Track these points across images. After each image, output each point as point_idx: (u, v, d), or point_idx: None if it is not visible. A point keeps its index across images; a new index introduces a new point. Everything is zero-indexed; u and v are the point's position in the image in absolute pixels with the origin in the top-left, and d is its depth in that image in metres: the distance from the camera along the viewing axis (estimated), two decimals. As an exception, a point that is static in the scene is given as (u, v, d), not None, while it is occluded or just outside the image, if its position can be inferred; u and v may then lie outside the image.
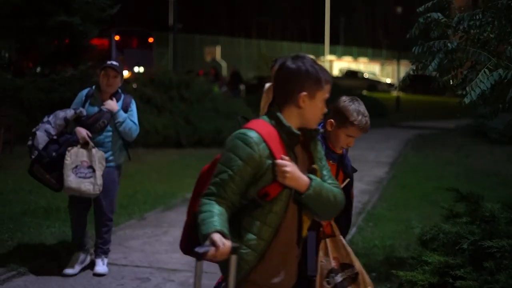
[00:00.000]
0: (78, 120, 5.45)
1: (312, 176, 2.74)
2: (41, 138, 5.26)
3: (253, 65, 48.20)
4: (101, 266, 5.63)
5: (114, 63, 5.50)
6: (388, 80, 51.64)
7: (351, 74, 48.85)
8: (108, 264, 5.78)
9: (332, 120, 3.63)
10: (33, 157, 5.26)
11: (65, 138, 5.37)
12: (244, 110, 16.62)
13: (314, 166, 2.80)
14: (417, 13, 4.93)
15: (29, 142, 5.31)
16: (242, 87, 28.89)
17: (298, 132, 2.74)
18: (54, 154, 5.27)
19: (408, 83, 5.25)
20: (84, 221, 5.65)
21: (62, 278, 5.49)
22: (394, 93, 39.12)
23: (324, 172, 2.85)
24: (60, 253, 6.06)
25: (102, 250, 5.67)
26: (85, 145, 5.35)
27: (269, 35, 60.48)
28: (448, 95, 5.39)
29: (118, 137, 5.56)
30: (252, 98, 26.59)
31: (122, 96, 5.64)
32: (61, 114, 5.41)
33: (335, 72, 52.23)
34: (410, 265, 5.01)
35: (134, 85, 15.54)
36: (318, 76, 2.73)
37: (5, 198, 8.16)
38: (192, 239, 2.83)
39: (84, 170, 5.30)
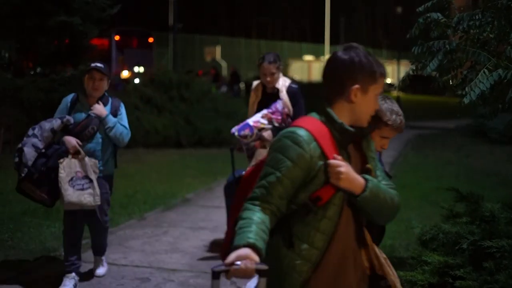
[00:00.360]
0: (66, 129, 5.10)
1: (368, 177, 2.53)
2: (30, 154, 4.91)
3: (253, 65, 48.23)
4: (100, 268, 5.61)
5: (99, 64, 5.14)
6: (388, 80, 51.61)
7: (351, 74, 48.71)
8: (108, 264, 5.78)
9: None
10: (22, 175, 4.90)
11: (53, 150, 5.01)
12: (244, 110, 16.64)
13: (368, 166, 2.59)
14: (417, 13, 4.93)
15: (16, 159, 4.94)
16: (242, 85, 28.92)
17: (352, 129, 2.52)
18: (43, 168, 4.93)
19: (408, 83, 5.25)
20: (80, 234, 5.37)
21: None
22: (394, 93, 39.11)
23: (378, 173, 2.65)
24: (60, 253, 6.06)
25: (99, 252, 5.62)
26: (76, 154, 5.02)
27: (269, 35, 60.47)
28: (448, 95, 5.41)
29: (108, 144, 5.25)
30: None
31: (110, 99, 5.30)
32: (47, 125, 5.01)
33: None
34: (410, 265, 5.01)
35: (137, 80, 15.56)
36: (373, 69, 2.49)
37: (5, 198, 8.17)
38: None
39: (81, 181, 4.99)
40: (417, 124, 24.30)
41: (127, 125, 5.31)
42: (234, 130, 5.60)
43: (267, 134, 5.60)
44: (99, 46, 20.51)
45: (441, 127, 23.38)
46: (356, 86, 2.48)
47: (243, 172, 6.18)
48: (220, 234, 7.04)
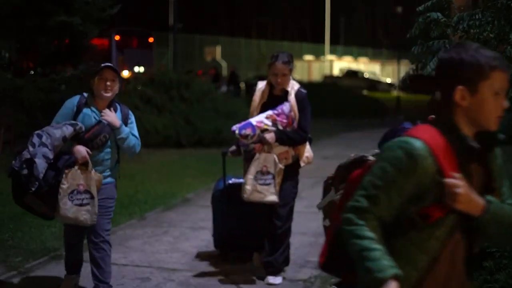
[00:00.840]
0: (75, 137, 4.63)
1: (489, 198, 2.24)
2: (41, 165, 4.39)
3: (253, 65, 48.22)
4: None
5: (110, 64, 4.72)
6: (389, 80, 51.65)
7: (351, 74, 48.85)
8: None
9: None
10: (33, 189, 4.39)
11: (63, 161, 4.55)
12: (244, 110, 16.64)
13: (493, 184, 2.29)
14: (417, 13, 4.93)
15: (25, 171, 4.39)
16: (242, 85, 28.92)
17: (478, 146, 2.23)
18: (53, 181, 4.49)
19: (408, 84, 5.25)
20: (82, 234, 5.01)
21: (63, 277, 5.50)
22: (395, 93, 39.14)
23: (504, 189, 2.33)
24: (61, 253, 6.06)
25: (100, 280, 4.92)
26: (83, 165, 4.59)
27: (269, 35, 60.48)
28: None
29: (115, 153, 4.85)
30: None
31: (118, 106, 4.85)
32: (57, 133, 4.50)
33: (335, 72, 52.24)
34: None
35: (139, 87, 15.56)
36: (479, 63, 2.18)
37: (5, 198, 8.14)
38: (336, 257, 2.40)
39: (81, 196, 4.57)
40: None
41: (137, 134, 4.91)
42: (235, 128, 5.29)
43: (269, 136, 5.26)
44: (99, 46, 20.51)
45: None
46: (460, 87, 2.20)
47: (235, 180, 6.06)
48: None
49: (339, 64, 55.54)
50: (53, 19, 13.82)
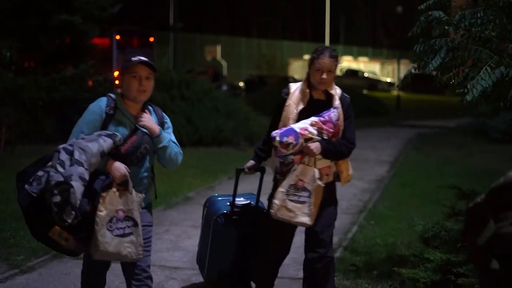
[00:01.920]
0: (112, 151, 3.67)
1: None
2: (79, 190, 3.43)
3: (253, 64, 48.25)
4: None
5: (144, 58, 3.84)
6: (389, 79, 51.66)
7: (351, 73, 48.83)
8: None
9: None
10: (69, 221, 3.41)
11: (100, 183, 3.58)
12: (245, 110, 16.67)
13: None
14: (418, 12, 4.94)
15: (56, 199, 3.39)
16: (241, 84, 28.95)
17: None
18: (87, 208, 3.52)
19: (409, 82, 5.26)
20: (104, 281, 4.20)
21: (65, 276, 5.52)
22: (395, 92, 39.15)
23: None
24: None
25: None
26: (123, 186, 3.66)
27: (270, 34, 60.47)
28: (449, 94, 5.38)
29: (152, 168, 4.00)
30: (252, 96, 26.67)
31: (150, 107, 3.99)
32: (93, 147, 3.54)
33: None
34: (412, 263, 5.03)
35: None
36: None
37: (7, 197, 8.17)
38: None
39: (122, 224, 3.63)
40: (417, 123, 24.31)
41: (176, 141, 4.05)
42: (275, 134, 4.35)
43: (314, 146, 4.34)
44: (100, 45, 20.54)
45: (442, 126, 23.39)
46: None
47: (245, 201, 4.76)
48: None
49: (339, 64, 55.45)
50: (54, 18, 13.85)
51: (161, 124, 3.95)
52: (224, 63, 40.74)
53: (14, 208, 7.57)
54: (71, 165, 3.45)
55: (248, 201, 4.73)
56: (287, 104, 4.55)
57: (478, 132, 18.62)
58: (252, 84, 35.98)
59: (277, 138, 4.33)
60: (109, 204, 3.59)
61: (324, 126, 4.40)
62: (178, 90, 15.53)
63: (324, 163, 4.46)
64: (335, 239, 6.93)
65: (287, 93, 4.61)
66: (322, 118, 4.42)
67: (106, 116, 3.76)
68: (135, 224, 3.67)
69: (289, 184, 4.37)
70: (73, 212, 3.40)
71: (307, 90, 4.54)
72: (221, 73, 37.66)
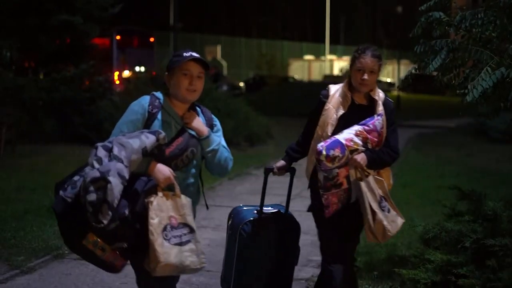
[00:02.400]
0: (152, 151, 3.29)
1: None
2: (118, 187, 3.06)
3: (253, 64, 48.26)
4: None
5: (196, 55, 3.48)
6: (389, 80, 51.66)
7: (351, 74, 48.80)
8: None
9: None
10: (105, 222, 3.03)
11: (142, 184, 3.20)
12: (245, 110, 16.67)
13: None
14: (419, 12, 4.94)
15: (92, 197, 3.03)
16: (242, 85, 28.94)
17: None
18: (126, 212, 3.09)
19: (410, 82, 5.27)
20: None
21: (65, 276, 5.52)
22: (395, 93, 39.14)
23: None
24: (63, 251, 6.08)
25: None
26: (169, 190, 3.30)
27: (270, 34, 60.49)
28: (449, 94, 5.37)
29: (199, 174, 3.64)
30: (252, 96, 26.68)
31: (198, 108, 3.65)
32: (134, 143, 3.19)
33: (336, 71, 52.24)
34: (413, 264, 5.03)
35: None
36: None
37: (8, 197, 8.18)
38: None
39: (177, 232, 3.25)
40: (417, 123, 24.32)
41: (226, 145, 3.69)
42: (321, 148, 3.98)
43: (360, 158, 4.04)
44: (100, 45, 20.55)
45: (442, 126, 23.40)
46: None
47: (273, 209, 4.34)
48: (222, 233, 7.04)
49: (339, 64, 55.54)
50: (54, 18, 13.85)
51: (210, 126, 3.61)
52: (224, 63, 40.74)
53: (14, 208, 7.58)
54: (110, 160, 3.13)
55: (277, 210, 4.34)
56: (326, 108, 4.19)
57: (478, 132, 18.63)
58: (253, 84, 36.05)
59: (324, 152, 3.97)
60: (159, 210, 3.20)
61: (368, 136, 4.10)
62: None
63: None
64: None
65: (326, 96, 4.26)
66: (366, 127, 4.10)
67: (149, 116, 3.43)
68: (192, 231, 3.30)
69: (378, 203, 4.12)
70: (110, 213, 3.02)
71: (349, 94, 4.20)
72: (222, 73, 37.66)
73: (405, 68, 42.82)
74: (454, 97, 5.16)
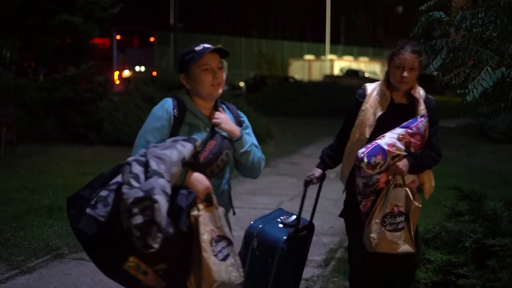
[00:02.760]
0: (191, 160, 2.98)
1: None
2: (165, 206, 2.74)
3: (253, 64, 48.26)
4: None
5: (208, 45, 3.18)
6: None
7: (351, 74, 48.84)
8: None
9: None
10: (156, 246, 2.71)
11: (184, 198, 2.88)
12: (245, 109, 16.68)
13: None
14: (419, 12, 4.94)
15: (137, 220, 2.69)
16: (242, 84, 28.93)
17: None
18: (171, 231, 2.77)
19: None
20: None
21: (65, 276, 5.52)
22: (395, 93, 39.13)
23: None
24: (63, 251, 6.08)
25: None
26: (206, 201, 3.01)
27: (270, 34, 60.50)
28: (449, 94, 5.36)
29: (229, 180, 3.33)
30: (253, 96, 26.67)
31: (223, 104, 3.36)
32: (172, 155, 2.86)
33: (336, 71, 52.27)
34: (413, 264, 5.02)
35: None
36: None
37: (8, 197, 8.18)
38: None
39: (219, 246, 2.98)
40: (418, 123, 24.29)
41: (257, 142, 3.40)
42: (362, 154, 3.74)
43: (403, 164, 3.79)
44: (100, 45, 20.57)
45: (442, 126, 23.21)
46: None
47: (292, 217, 4.14)
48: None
49: (340, 64, 55.58)
50: (55, 18, 13.86)
51: (238, 123, 3.32)
52: (224, 63, 40.80)
53: (14, 208, 7.58)
54: (149, 177, 2.77)
55: (294, 218, 4.12)
56: (363, 108, 3.94)
57: (478, 132, 18.62)
58: (254, 84, 36.06)
59: (365, 160, 3.73)
60: (204, 224, 2.94)
61: (412, 139, 3.84)
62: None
63: (410, 178, 3.94)
64: (335, 240, 6.94)
65: (363, 95, 4.00)
66: (409, 130, 3.84)
67: (175, 121, 3.11)
68: (230, 243, 3.02)
69: (384, 213, 3.83)
70: (160, 235, 2.70)
71: (387, 93, 3.94)
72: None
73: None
74: (454, 97, 5.15)
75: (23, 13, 13.86)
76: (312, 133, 17.59)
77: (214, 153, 3.10)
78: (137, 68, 25.51)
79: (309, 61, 54.13)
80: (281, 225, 3.98)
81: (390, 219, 3.83)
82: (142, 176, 2.78)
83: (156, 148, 2.91)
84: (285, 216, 4.12)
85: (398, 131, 3.82)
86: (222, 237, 2.98)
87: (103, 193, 2.85)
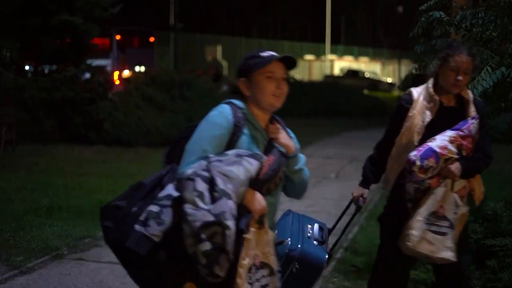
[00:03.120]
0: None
1: None
2: (234, 233, 2.53)
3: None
4: None
5: (275, 53, 2.93)
6: (389, 80, 51.70)
7: (352, 74, 48.87)
8: (112, 263, 5.79)
9: None
10: (222, 275, 2.53)
11: (244, 221, 2.65)
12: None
13: None
14: (419, 12, 4.94)
15: (205, 247, 2.48)
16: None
17: None
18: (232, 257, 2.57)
19: (410, 83, 5.26)
20: None
21: (64, 276, 5.51)
22: (395, 93, 39.15)
23: None
24: (62, 252, 6.07)
25: None
26: (259, 223, 2.75)
27: (270, 34, 60.50)
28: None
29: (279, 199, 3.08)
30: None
31: (276, 119, 3.10)
32: (240, 173, 2.62)
33: (336, 71, 52.28)
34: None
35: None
36: None
37: (7, 197, 8.17)
38: None
39: (259, 274, 2.75)
40: (418, 123, 24.29)
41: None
42: (415, 157, 3.62)
43: (455, 168, 3.67)
44: (100, 45, 20.57)
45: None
46: None
47: (318, 227, 3.75)
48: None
49: (340, 64, 55.62)
50: (55, 18, 13.86)
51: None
52: (224, 63, 40.73)
53: (14, 209, 7.57)
54: (217, 198, 2.53)
55: (317, 225, 3.79)
56: (410, 114, 3.79)
57: (478, 132, 18.60)
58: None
59: (418, 163, 3.60)
60: (249, 249, 2.67)
61: (463, 142, 3.70)
62: (179, 90, 15.55)
63: (460, 184, 3.77)
64: (335, 240, 6.93)
65: (410, 101, 3.83)
66: (461, 133, 3.70)
67: (235, 130, 2.83)
68: (271, 273, 2.74)
69: (429, 211, 3.66)
70: (227, 264, 2.49)
71: (436, 97, 3.77)
72: (222, 74, 37.70)
73: (406, 68, 42.88)
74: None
75: (23, 13, 13.87)
76: (312, 133, 17.57)
77: (273, 169, 2.85)
78: (137, 68, 25.52)
79: (309, 61, 54.14)
80: (315, 242, 3.64)
81: (434, 220, 3.67)
82: (207, 195, 2.53)
83: (221, 163, 2.63)
84: (309, 227, 3.74)
85: (450, 133, 3.69)
86: (265, 265, 2.72)
87: (154, 208, 2.62)
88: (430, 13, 4.76)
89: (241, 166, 2.63)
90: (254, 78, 2.89)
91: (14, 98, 13.20)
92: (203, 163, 2.65)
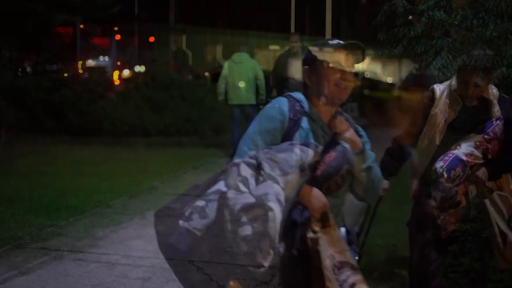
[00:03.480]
0: (307, 170, 2.57)
1: None
2: (279, 217, 2.34)
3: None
4: None
5: (338, 41, 2.78)
6: (390, 80, 51.66)
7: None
8: (110, 263, 5.79)
9: None
10: (266, 265, 2.30)
11: (299, 213, 2.44)
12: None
13: None
14: (419, 12, 4.94)
15: (245, 231, 2.29)
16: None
17: None
18: (281, 250, 2.36)
19: (410, 83, 5.26)
20: None
21: (64, 277, 5.50)
22: (396, 93, 39.14)
23: None
24: (62, 252, 6.07)
25: None
26: (322, 221, 2.54)
27: (270, 34, 60.49)
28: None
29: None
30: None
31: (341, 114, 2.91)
32: (289, 158, 2.46)
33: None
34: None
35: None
36: None
37: (6, 197, 8.16)
38: None
39: (343, 275, 2.53)
40: (418, 123, 24.29)
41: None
42: (441, 169, 3.53)
43: (482, 173, 3.59)
44: (100, 45, 20.55)
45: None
46: None
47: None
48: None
49: (340, 64, 55.60)
50: (55, 18, 13.85)
51: (356, 134, 2.86)
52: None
53: (14, 209, 7.56)
54: (261, 181, 2.36)
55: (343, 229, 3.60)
56: (432, 113, 3.69)
57: (478, 132, 18.62)
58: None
59: (445, 175, 3.54)
60: (324, 248, 2.49)
61: (489, 145, 3.60)
62: (178, 90, 15.57)
63: (488, 184, 3.72)
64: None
65: (432, 99, 3.73)
66: (486, 136, 3.61)
67: (290, 124, 2.68)
68: (354, 269, 2.57)
69: (507, 217, 3.65)
70: (272, 251, 2.24)
71: (458, 97, 3.66)
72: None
73: (406, 68, 42.73)
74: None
75: (22, 13, 13.86)
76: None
77: (333, 166, 2.62)
78: (137, 68, 25.53)
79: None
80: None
81: (511, 225, 3.65)
82: (252, 181, 2.36)
83: (271, 150, 2.49)
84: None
85: (475, 138, 3.60)
86: (344, 263, 2.52)
87: (200, 203, 2.42)
88: (430, 13, 4.76)
89: (293, 153, 2.46)
90: (318, 66, 2.73)
91: (13, 98, 13.19)
92: (252, 152, 2.53)
